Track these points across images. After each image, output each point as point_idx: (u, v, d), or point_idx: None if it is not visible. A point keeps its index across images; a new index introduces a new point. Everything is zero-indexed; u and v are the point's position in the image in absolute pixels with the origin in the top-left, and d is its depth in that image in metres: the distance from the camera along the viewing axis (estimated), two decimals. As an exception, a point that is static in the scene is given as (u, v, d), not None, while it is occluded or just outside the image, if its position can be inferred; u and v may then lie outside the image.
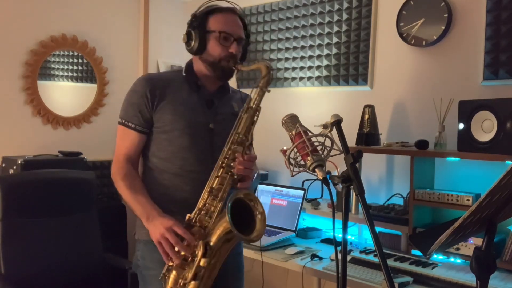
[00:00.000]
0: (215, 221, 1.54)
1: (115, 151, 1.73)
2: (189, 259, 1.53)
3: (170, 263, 1.54)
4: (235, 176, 1.57)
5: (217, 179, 1.58)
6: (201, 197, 1.58)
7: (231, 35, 1.68)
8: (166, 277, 1.56)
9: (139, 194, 1.64)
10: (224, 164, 1.58)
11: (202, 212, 1.56)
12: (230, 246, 1.54)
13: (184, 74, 1.75)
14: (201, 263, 1.49)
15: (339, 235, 1.31)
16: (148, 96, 1.68)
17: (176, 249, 1.51)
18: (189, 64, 1.78)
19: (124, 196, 1.67)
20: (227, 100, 1.80)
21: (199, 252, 1.50)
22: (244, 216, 1.53)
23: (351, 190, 1.26)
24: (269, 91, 1.63)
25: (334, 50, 3.00)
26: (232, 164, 1.57)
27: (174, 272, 1.54)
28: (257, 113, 1.63)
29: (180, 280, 1.53)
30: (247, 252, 2.37)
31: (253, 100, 1.62)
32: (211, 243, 1.51)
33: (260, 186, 2.86)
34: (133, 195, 1.64)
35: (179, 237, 1.51)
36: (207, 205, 1.57)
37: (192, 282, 1.50)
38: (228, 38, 1.68)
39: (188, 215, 1.56)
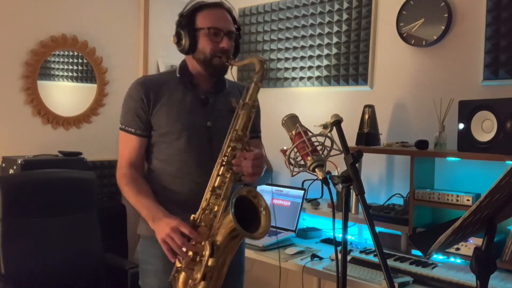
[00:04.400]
0: (220, 220, 1.53)
1: (118, 156, 1.74)
2: (197, 259, 1.52)
3: (178, 264, 1.55)
4: (237, 174, 1.56)
5: (218, 177, 1.57)
6: (204, 197, 1.57)
7: (221, 30, 1.66)
8: (176, 279, 1.56)
9: (144, 197, 1.65)
10: (224, 162, 1.57)
11: (206, 212, 1.56)
12: (236, 243, 1.53)
13: (178, 75, 1.74)
14: (209, 263, 1.49)
15: (339, 235, 1.31)
16: (143, 99, 1.68)
17: (183, 248, 1.51)
18: (183, 64, 1.76)
19: (130, 201, 1.68)
20: (224, 97, 1.77)
21: (206, 252, 1.49)
22: (249, 213, 1.52)
23: (351, 190, 1.26)
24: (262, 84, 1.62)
25: (334, 50, 3.00)
26: (232, 161, 1.56)
27: (183, 273, 1.54)
28: (253, 109, 1.61)
29: (189, 281, 1.53)
30: (247, 252, 2.37)
31: (249, 96, 1.60)
32: (217, 243, 1.50)
33: (260, 186, 2.85)
34: (138, 198, 1.65)
35: (186, 237, 1.51)
36: (210, 204, 1.56)
37: (202, 283, 1.50)
38: (218, 33, 1.66)
39: (193, 215, 1.56)
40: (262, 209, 1.52)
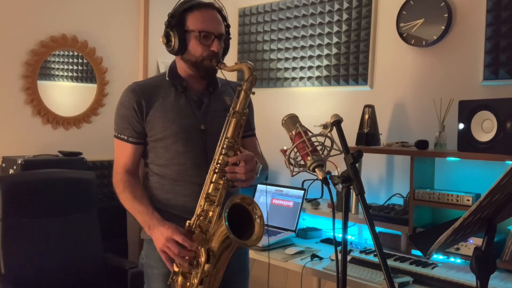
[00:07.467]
0: (214, 226, 1.55)
1: (114, 162, 1.74)
2: (194, 263, 1.54)
3: (176, 269, 1.56)
4: (230, 182, 1.57)
5: (212, 184, 1.57)
6: (198, 204, 1.58)
7: (212, 33, 1.64)
8: (174, 281, 1.58)
9: (138, 203, 1.65)
10: (217, 170, 1.57)
11: (201, 218, 1.57)
12: (231, 250, 1.55)
13: (167, 79, 1.72)
14: (205, 269, 1.51)
15: (339, 235, 1.31)
16: (135, 108, 1.66)
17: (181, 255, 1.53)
18: (173, 66, 1.74)
19: (126, 207, 1.69)
20: (218, 96, 1.76)
21: (202, 259, 1.51)
22: (243, 219, 1.53)
23: (351, 190, 1.26)
24: (253, 93, 1.60)
25: (334, 50, 3.00)
26: (225, 168, 1.56)
27: (180, 277, 1.56)
28: (244, 117, 1.60)
29: (187, 284, 1.56)
30: (247, 252, 2.37)
31: (239, 104, 1.59)
32: (213, 249, 1.52)
33: (260, 186, 2.86)
34: (133, 205, 1.66)
35: (180, 245, 1.52)
36: (205, 210, 1.57)
37: (199, 287, 1.53)
38: (208, 36, 1.63)
39: (188, 221, 1.57)
40: (256, 217, 1.53)
